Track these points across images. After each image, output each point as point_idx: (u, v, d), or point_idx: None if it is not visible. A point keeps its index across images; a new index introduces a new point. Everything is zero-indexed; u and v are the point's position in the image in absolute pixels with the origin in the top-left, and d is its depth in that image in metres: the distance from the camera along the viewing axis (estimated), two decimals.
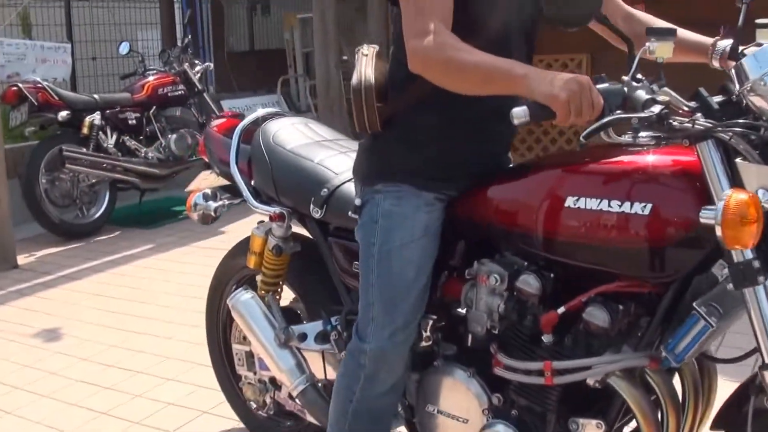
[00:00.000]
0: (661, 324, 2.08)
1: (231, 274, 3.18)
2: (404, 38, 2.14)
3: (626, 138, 1.99)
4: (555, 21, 2.03)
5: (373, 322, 2.36)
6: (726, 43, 2.28)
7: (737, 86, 1.91)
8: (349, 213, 2.45)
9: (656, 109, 1.91)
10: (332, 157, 2.76)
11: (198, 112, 8.04)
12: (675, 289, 2.05)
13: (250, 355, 3.06)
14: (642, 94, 1.94)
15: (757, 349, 1.92)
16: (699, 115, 1.94)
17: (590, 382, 2.13)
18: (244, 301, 2.87)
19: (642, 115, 1.90)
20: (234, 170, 2.91)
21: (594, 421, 2.15)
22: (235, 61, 11.70)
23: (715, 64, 2.31)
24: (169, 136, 7.53)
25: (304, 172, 2.73)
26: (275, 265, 2.86)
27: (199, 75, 8.04)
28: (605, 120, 1.89)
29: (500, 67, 2.03)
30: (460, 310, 2.40)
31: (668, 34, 2.00)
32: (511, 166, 2.50)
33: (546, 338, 2.18)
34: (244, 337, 3.00)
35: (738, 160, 1.89)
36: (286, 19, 11.10)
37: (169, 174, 7.59)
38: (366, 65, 2.36)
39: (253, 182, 2.91)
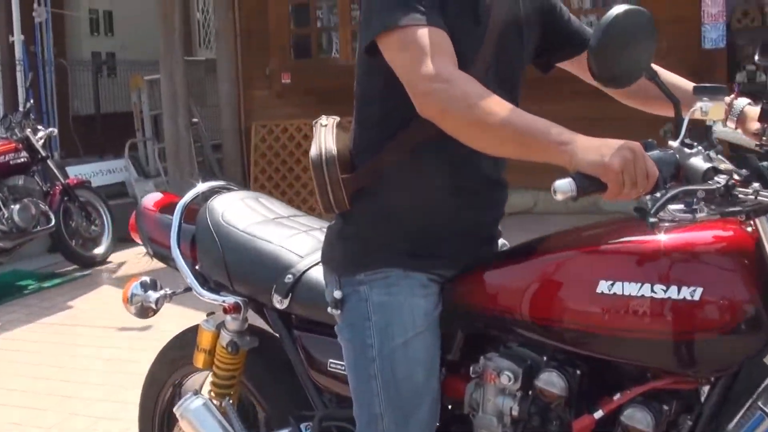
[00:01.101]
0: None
1: (170, 371, 2.74)
2: (409, 82, 1.83)
3: (681, 213, 1.76)
4: (606, 81, 1.78)
5: None
6: (743, 103, 2.10)
7: None
8: (329, 309, 2.08)
9: (722, 179, 1.67)
10: (293, 237, 2.41)
11: (41, 180, 7.65)
12: (725, 383, 1.82)
13: None
14: (701, 163, 1.70)
15: None
16: (757, 185, 1.71)
17: None
18: (195, 410, 2.44)
19: (710, 187, 1.66)
20: (176, 253, 2.52)
21: None
22: (80, 125, 11.31)
23: (731, 125, 2.11)
24: (12, 206, 7.09)
25: (263, 256, 2.36)
26: (230, 364, 2.46)
27: (42, 141, 7.67)
28: (674, 192, 1.63)
29: (537, 128, 1.73)
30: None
31: (720, 92, 1.77)
32: (505, 246, 2.24)
33: None
34: None
35: None
36: (132, 81, 10.70)
37: (13, 247, 7.20)
38: (326, 136, 2.06)
39: (198, 266, 2.53)
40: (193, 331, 2.58)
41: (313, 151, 2.03)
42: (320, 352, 2.29)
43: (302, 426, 2.34)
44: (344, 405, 2.25)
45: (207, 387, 2.62)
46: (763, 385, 1.79)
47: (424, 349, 2.02)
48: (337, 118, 2.16)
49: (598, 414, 1.86)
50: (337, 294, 2.07)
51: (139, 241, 2.72)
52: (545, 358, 1.98)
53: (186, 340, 2.62)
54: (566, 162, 1.68)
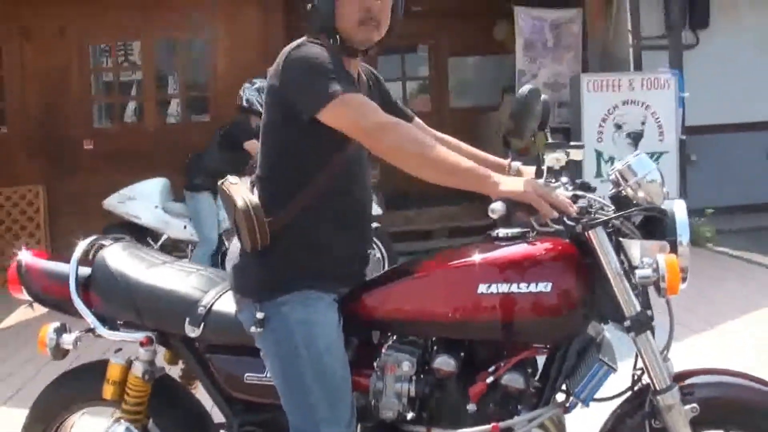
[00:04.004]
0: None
1: (63, 405, 2.90)
2: (363, 129, 2.40)
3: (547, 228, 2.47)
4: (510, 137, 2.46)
5: (324, 423, 2.46)
6: (517, 164, 2.89)
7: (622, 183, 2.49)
8: (251, 329, 2.48)
9: (584, 201, 2.44)
10: (189, 276, 2.78)
11: None
12: (566, 348, 2.55)
13: None
14: (566, 192, 2.45)
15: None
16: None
17: None
18: None
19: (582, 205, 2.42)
20: (77, 299, 2.72)
21: None
22: None
23: None
24: None
25: (172, 293, 2.69)
26: (143, 392, 2.75)
27: None
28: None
29: (469, 164, 2.39)
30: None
31: (565, 146, 2.54)
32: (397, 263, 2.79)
33: (471, 407, 2.48)
34: None
35: (623, 239, 2.46)
36: None
37: None
38: (243, 190, 2.53)
39: (94, 309, 2.76)
40: (88, 367, 2.86)
41: (240, 202, 2.47)
42: (236, 369, 2.65)
43: None
44: (254, 412, 2.68)
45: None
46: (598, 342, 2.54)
47: (341, 351, 2.52)
48: (239, 179, 2.62)
49: (489, 380, 2.48)
50: (260, 315, 2.50)
51: (21, 295, 2.85)
52: (435, 348, 2.57)
53: (78, 376, 2.86)
54: (493, 190, 2.35)
